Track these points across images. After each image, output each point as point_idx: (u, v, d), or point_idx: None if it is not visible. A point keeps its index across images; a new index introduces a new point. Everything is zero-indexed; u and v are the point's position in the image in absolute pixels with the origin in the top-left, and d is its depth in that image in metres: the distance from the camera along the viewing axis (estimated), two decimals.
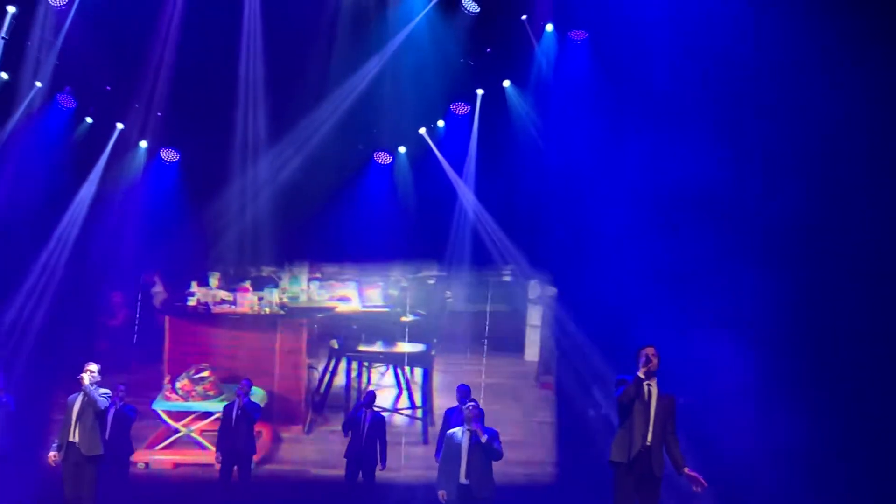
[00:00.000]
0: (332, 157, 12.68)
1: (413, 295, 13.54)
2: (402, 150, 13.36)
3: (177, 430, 13.26)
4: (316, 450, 13.07)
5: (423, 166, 13.17)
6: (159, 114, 12.71)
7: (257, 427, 11.73)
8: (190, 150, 13.32)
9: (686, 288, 11.19)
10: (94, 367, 9.05)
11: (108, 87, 12.57)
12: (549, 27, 12.23)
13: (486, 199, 12.94)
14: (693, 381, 10.27)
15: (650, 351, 7.22)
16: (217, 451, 11.24)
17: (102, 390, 9.01)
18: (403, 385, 13.37)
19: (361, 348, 13.49)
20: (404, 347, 13.44)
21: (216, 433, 11.66)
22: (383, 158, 13.38)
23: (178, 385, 13.36)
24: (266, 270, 13.75)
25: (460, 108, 12.97)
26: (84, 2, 11.76)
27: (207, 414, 13.19)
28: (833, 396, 10.72)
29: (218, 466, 11.23)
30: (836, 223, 10.98)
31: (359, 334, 13.52)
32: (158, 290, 13.72)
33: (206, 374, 13.29)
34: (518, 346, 13.27)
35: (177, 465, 13.04)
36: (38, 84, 12.26)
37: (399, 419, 13.21)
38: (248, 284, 13.71)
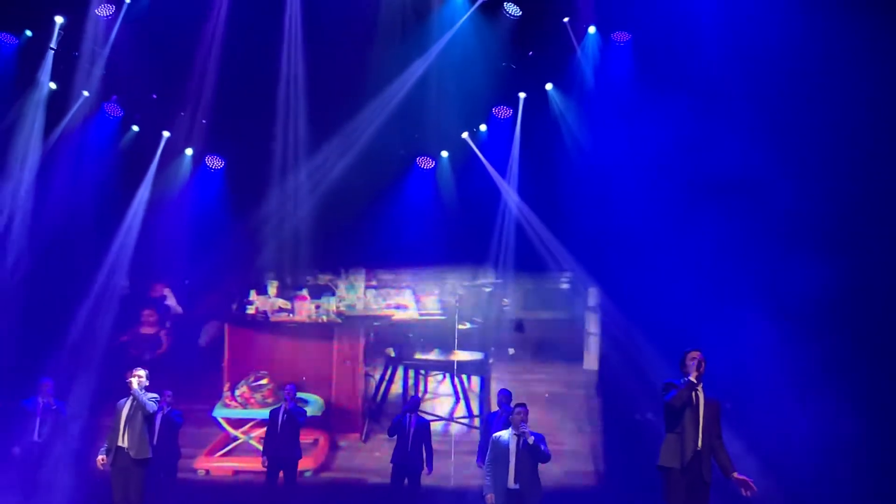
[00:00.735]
0: (374, 162, 12.66)
1: (469, 303, 13.46)
2: (444, 154, 13.34)
3: (236, 438, 13.33)
4: (373, 458, 13.02)
5: (465, 171, 13.13)
6: (204, 121, 12.82)
7: (314, 435, 11.77)
8: (235, 156, 13.42)
9: (731, 288, 11.10)
10: (142, 372, 9.14)
11: (154, 96, 12.71)
12: (592, 29, 12.19)
13: (532, 202, 12.87)
14: (743, 377, 10.27)
15: (698, 355, 7.20)
16: (263, 455, 11.29)
17: (150, 395, 9.09)
18: (461, 393, 13.27)
19: (418, 356, 13.43)
20: (461, 356, 13.33)
21: None
22: (426, 163, 13.37)
23: (237, 392, 13.47)
24: (323, 278, 13.77)
25: (503, 112, 12.92)
26: (129, 12, 11.92)
27: (266, 421, 13.19)
28: (882, 389, 10.61)
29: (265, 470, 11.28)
30: (882, 211, 10.86)
31: (415, 342, 13.46)
32: (171, 302, 13.80)
33: (264, 381, 13.36)
34: (577, 355, 13.06)
35: (236, 472, 13.06)
36: (86, 93, 12.44)
37: (455, 427, 13.11)
38: (305, 293, 13.74)
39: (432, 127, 12.70)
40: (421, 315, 13.55)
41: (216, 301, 13.78)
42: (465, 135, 13.07)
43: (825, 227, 11.02)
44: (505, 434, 8.87)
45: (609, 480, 12.38)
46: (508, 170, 12.99)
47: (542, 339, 13.12)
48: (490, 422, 10.85)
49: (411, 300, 13.60)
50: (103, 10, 11.93)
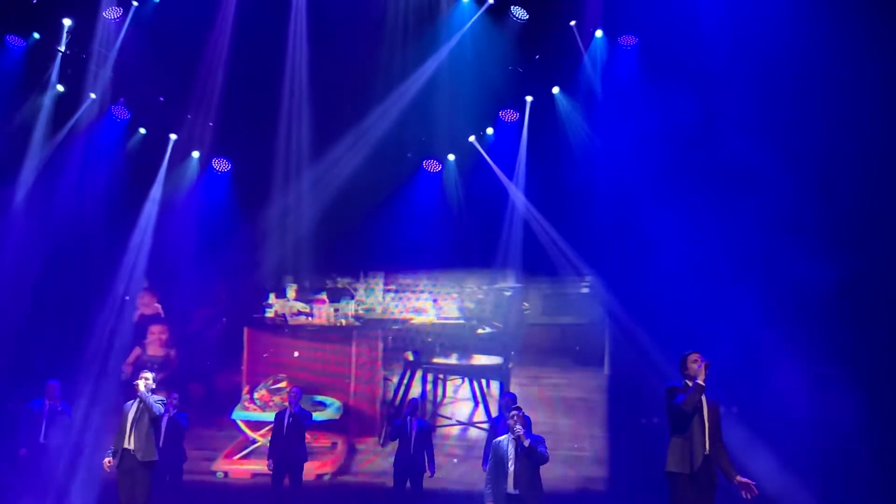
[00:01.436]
0: (382, 165, 12.67)
1: (489, 307, 13.43)
2: (451, 157, 13.34)
3: (255, 441, 13.33)
4: (391, 462, 12.91)
5: (472, 174, 13.13)
6: (211, 124, 12.84)
7: (333, 438, 11.76)
8: (241, 160, 13.43)
9: (741, 289, 11.05)
10: (149, 374, 9.14)
11: (161, 98, 12.73)
12: (599, 33, 12.19)
13: (540, 206, 12.85)
14: (754, 378, 10.36)
15: (700, 356, 7.16)
16: (269, 458, 11.28)
17: (157, 397, 9.09)
18: (479, 398, 13.22)
19: (437, 360, 13.41)
20: (480, 360, 13.32)
21: None
22: (432, 166, 13.37)
23: (256, 395, 13.51)
24: (342, 282, 13.79)
25: (509, 116, 12.92)
26: (137, 14, 11.95)
27: None
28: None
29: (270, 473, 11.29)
30: (887, 206, 10.87)
31: (434, 346, 13.45)
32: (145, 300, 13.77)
33: (283, 384, 13.34)
34: (598, 360, 13.00)
35: (254, 475, 13.03)
36: (93, 96, 12.46)
37: (474, 432, 13.05)
38: (324, 296, 13.77)
39: (439, 130, 12.70)
40: (439, 319, 13.55)
41: (231, 305, 13.80)
42: (472, 138, 13.07)
43: (831, 226, 11.00)
44: (504, 439, 8.84)
45: (628, 484, 12.34)
46: (516, 173, 12.98)
47: (563, 344, 13.08)
48: (496, 426, 10.82)
49: (430, 304, 13.60)
50: (111, 13, 11.95)
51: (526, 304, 13.30)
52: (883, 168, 10.92)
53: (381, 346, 13.53)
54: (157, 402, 9.02)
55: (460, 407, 13.18)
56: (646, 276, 11.71)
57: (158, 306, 13.78)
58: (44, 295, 12.51)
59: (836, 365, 10.66)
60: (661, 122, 11.59)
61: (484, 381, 13.23)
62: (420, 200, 13.29)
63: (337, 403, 13.14)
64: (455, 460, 12.86)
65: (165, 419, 10.69)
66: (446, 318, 13.52)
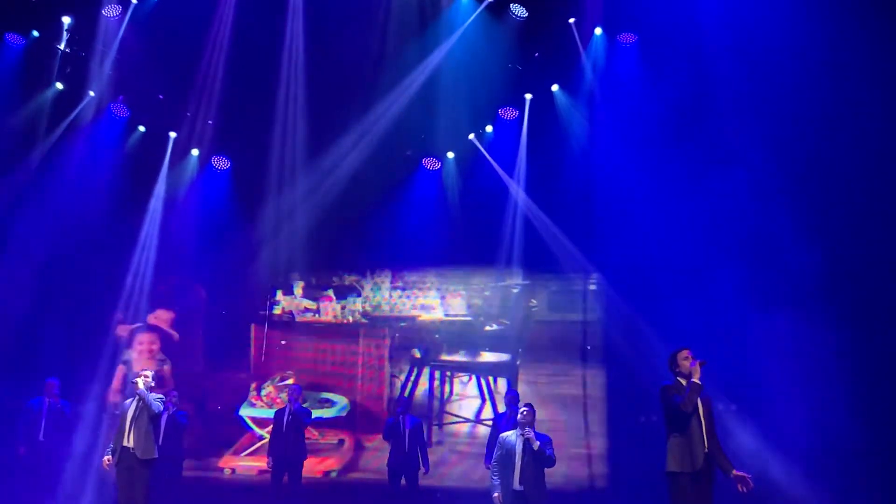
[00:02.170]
0: (381, 163, 12.67)
1: (496, 304, 13.43)
2: (450, 155, 13.33)
3: (262, 437, 13.30)
4: None
5: (473, 171, 13.13)
6: (210, 122, 12.83)
7: (340, 435, 11.73)
8: (241, 157, 13.42)
9: (743, 288, 11.05)
10: (148, 372, 9.16)
11: (161, 96, 12.72)
12: (598, 31, 12.18)
13: (540, 202, 12.85)
14: (753, 375, 10.33)
15: (689, 353, 7.16)
16: (268, 456, 11.29)
17: (156, 395, 9.10)
18: (487, 395, 13.21)
19: (444, 357, 13.40)
20: (488, 357, 13.31)
21: None
22: (432, 164, 13.36)
23: (263, 392, 13.54)
24: (349, 279, 13.81)
25: (509, 113, 12.92)
26: (136, 12, 11.94)
27: None
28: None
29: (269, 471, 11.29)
30: (887, 202, 10.86)
31: (441, 344, 13.46)
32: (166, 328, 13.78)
33: (290, 381, 13.33)
34: (606, 356, 12.82)
35: (261, 472, 12.93)
36: (92, 93, 12.46)
37: (482, 429, 13.00)
38: (331, 293, 13.80)
39: (438, 128, 12.69)
40: (447, 316, 13.55)
41: (236, 302, 13.80)
42: (471, 136, 13.06)
43: (831, 225, 11.00)
44: (512, 435, 8.86)
45: (612, 480, 12.36)
46: (516, 171, 12.98)
47: (570, 341, 13.04)
48: (498, 422, 10.84)
49: (437, 301, 13.61)
50: (110, 11, 11.94)
51: (533, 300, 13.30)
52: (883, 167, 10.90)
53: (388, 343, 13.55)
54: (156, 399, 9.02)
55: (468, 404, 13.18)
56: (645, 272, 11.71)
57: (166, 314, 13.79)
58: (43, 291, 12.50)
59: (836, 364, 10.64)
60: (660, 119, 11.60)
61: (491, 378, 13.21)
62: (419, 198, 13.29)
63: (344, 401, 13.16)
64: (453, 457, 12.87)
65: (165, 417, 10.70)
66: (454, 315, 13.52)
